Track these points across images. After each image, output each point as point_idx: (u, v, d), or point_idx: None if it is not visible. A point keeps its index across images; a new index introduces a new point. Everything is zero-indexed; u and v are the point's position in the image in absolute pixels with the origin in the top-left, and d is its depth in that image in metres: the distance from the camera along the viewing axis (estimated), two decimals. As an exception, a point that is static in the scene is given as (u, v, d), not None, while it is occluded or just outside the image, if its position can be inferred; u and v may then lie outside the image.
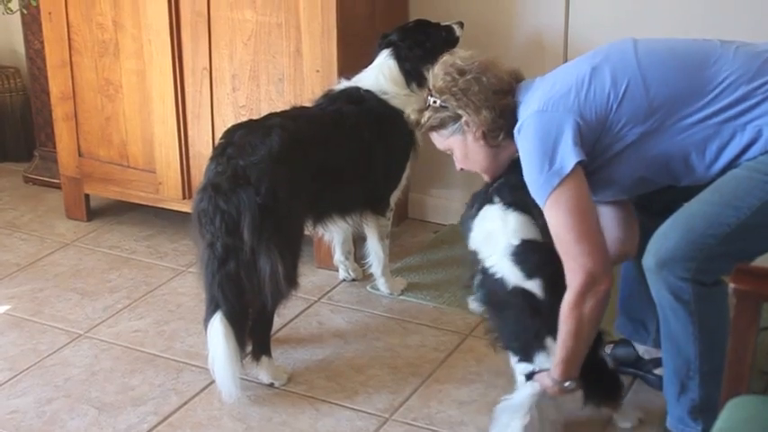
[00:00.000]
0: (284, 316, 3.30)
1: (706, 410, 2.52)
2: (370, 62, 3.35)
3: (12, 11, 4.29)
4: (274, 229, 2.80)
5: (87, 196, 4.08)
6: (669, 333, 2.51)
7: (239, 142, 2.89)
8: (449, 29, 3.41)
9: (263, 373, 2.97)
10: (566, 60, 3.62)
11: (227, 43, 3.58)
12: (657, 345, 2.75)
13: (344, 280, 3.58)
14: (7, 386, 3.00)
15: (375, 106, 3.25)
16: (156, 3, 3.63)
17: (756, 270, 2.02)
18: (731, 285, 2.00)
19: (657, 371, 2.90)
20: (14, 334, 3.28)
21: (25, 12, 4.25)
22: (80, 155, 4.00)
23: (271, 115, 3.10)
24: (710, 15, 3.38)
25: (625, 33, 2.60)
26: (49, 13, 3.88)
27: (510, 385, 2.94)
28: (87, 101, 3.93)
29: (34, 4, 4.12)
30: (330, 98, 3.26)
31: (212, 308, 2.82)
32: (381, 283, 3.47)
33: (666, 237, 2.42)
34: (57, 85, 3.97)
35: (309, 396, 2.93)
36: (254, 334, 2.94)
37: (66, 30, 3.86)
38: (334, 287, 3.55)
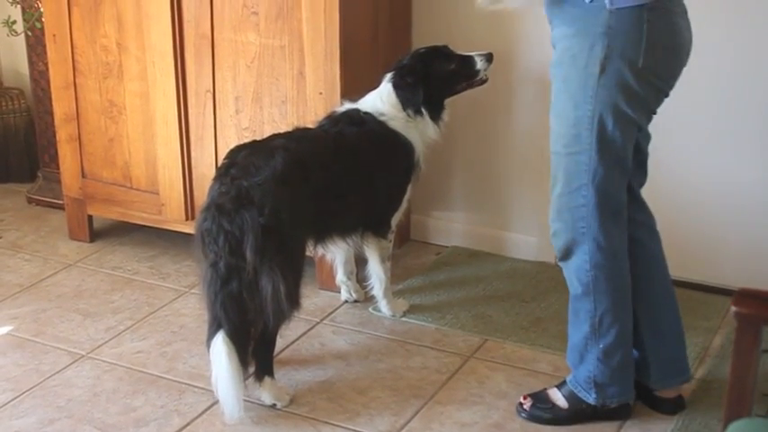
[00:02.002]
0: (286, 337, 3.30)
1: (602, 384, 2.84)
2: (375, 84, 3.37)
3: (16, 33, 4.32)
4: (276, 250, 2.81)
5: (90, 217, 4.09)
6: (573, 309, 2.84)
7: (243, 163, 2.90)
8: (467, 59, 3.35)
9: (265, 394, 2.97)
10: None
11: (230, 66, 3.60)
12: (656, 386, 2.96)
13: (347, 301, 3.59)
14: (9, 407, 3.00)
15: (374, 128, 3.26)
16: (160, 25, 3.65)
17: (758, 293, 2.03)
18: (732, 308, 2.01)
19: (660, 393, 2.94)
20: (17, 354, 3.28)
21: (30, 34, 4.27)
22: (83, 176, 4.02)
23: (274, 136, 3.13)
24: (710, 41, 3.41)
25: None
26: (54, 35, 3.90)
27: (512, 408, 2.95)
28: (91, 122, 3.94)
29: (39, 26, 4.15)
30: (332, 120, 3.27)
31: (215, 327, 2.83)
32: (383, 305, 3.48)
33: (556, 234, 2.76)
34: (60, 106, 3.98)
35: (311, 418, 2.93)
36: (256, 354, 2.94)
37: (70, 51, 3.88)
38: (336, 309, 3.55)
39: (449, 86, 3.37)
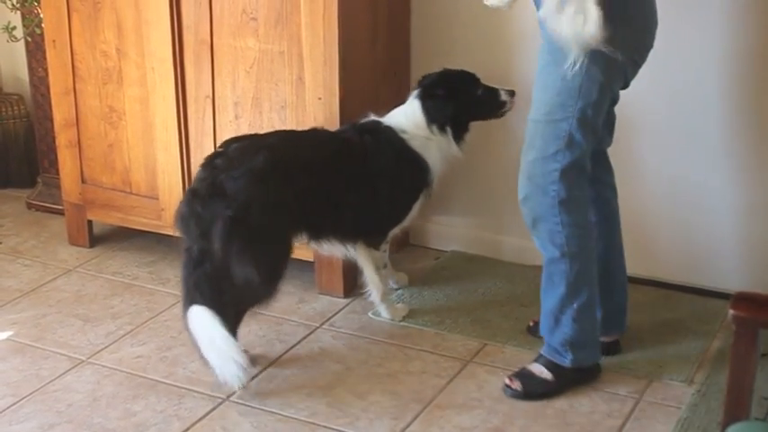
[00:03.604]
0: (286, 341, 3.32)
1: (577, 345, 3.00)
2: (373, 89, 3.38)
3: (16, 38, 4.32)
4: (246, 241, 2.91)
5: (90, 222, 4.09)
6: (547, 274, 2.98)
7: (230, 155, 3.04)
8: (493, 91, 3.38)
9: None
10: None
11: (229, 71, 3.60)
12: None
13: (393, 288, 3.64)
14: (9, 412, 3.00)
15: (391, 142, 3.28)
16: (159, 31, 3.66)
17: (755, 297, 2.04)
18: (730, 312, 2.02)
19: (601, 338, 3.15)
20: (17, 360, 3.29)
21: (29, 39, 4.28)
22: (83, 181, 4.02)
23: (271, 135, 3.24)
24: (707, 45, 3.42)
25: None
26: (53, 41, 3.91)
27: (512, 411, 2.96)
28: (90, 128, 3.95)
29: (38, 31, 4.16)
30: (351, 127, 3.32)
31: (188, 302, 2.92)
32: (382, 310, 3.48)
33: (527, 198, 2.94)
34: (60, 112, 3.99)
35: (311, 422, 2.94)
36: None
37: (70, 57, 3.89)
38: (335, 313, 3.56)
39: (475, 110, 3.39)
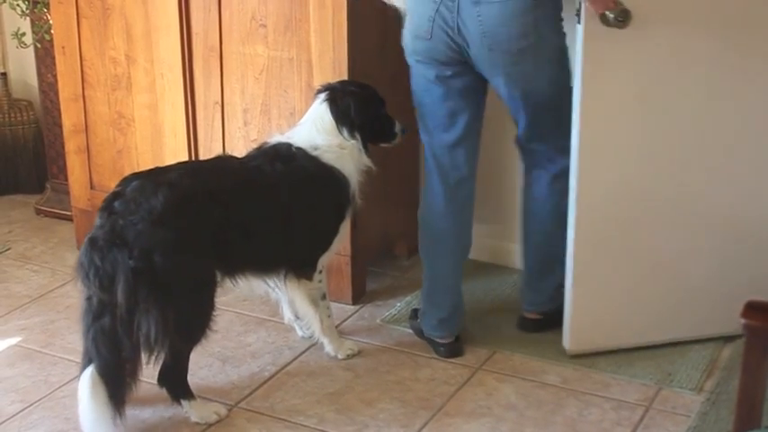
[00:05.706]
0: (294, 349, 3.32)
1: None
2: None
3: (26, 45, 4.34)
4: (151, 291, 2.73)
5: (99, 228, 4.10)
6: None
7: (128, 196, 2.81)
8: (391, 119, 3.26)
9: (191, 414, 2.96)
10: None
11: (238, 78, 3.61)
12: None
13: (303, 337, 3.43)
14: (18, 418, 3.01)
15: (304, 165, 3.08)
16: (168, 37, 3.67)
17: (767, 306, 2.03)
18: (742, 321, 2.01)
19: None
20: (26, 365, 3.29)
21: (39, 45, 4.29)
22: (92, 187, 4.03)
23: (173, 169, 3.01)
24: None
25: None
26: (63, 47, 3.92)
27: (520, 419, 2.95)
28: (99, 134, 3.96)
29: (48, 38, 4.17)
30: (260, 153, 3.12)
31: (85, 361, 2.81)
32: (326, 344, 3.30)
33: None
34: (69, 118, 4.00)
35: (320, 429, 2.94)
36: (165, 382, 2.95)
37: (79, 63, 3.90)
38: (344, 320, 3.56)
39: (377, 127, 3.24)
